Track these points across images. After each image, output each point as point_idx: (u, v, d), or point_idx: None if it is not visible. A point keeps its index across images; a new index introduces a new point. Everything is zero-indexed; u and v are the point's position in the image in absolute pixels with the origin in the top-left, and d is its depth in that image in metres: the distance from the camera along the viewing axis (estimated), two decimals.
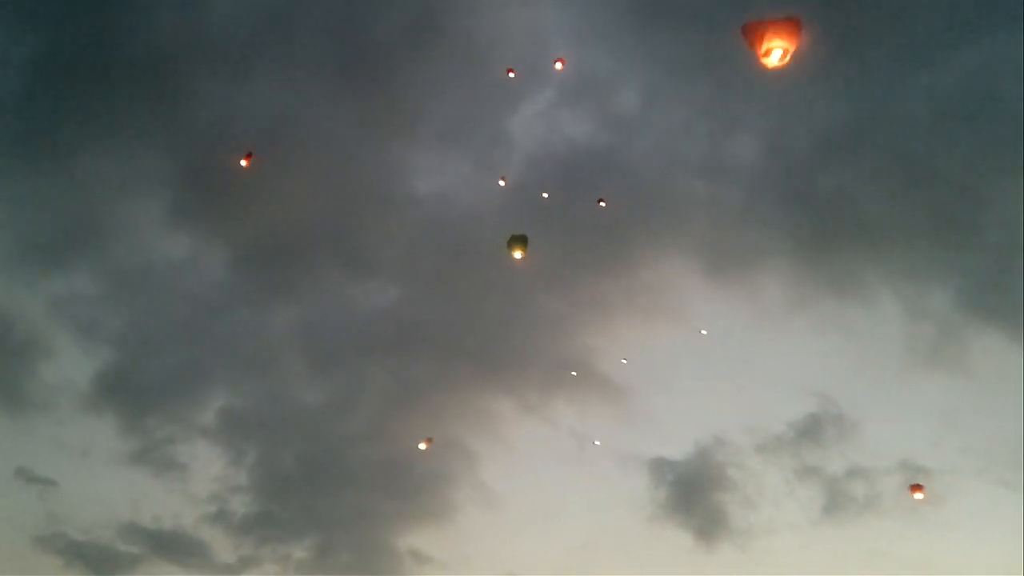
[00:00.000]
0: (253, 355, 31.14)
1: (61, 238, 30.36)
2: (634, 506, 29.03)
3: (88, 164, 30.22)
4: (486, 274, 28.71)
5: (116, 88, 29.84)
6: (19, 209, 30.15)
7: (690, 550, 28.20)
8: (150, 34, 29.75)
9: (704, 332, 27.37)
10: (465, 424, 30.64)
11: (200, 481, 29.66)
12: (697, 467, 29.13)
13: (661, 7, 31.19)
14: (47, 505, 28.39)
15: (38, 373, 29.52)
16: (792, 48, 11.13)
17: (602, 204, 25.49)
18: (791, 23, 11.05)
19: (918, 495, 23.17)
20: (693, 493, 28.80)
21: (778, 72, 11.41)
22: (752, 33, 11.19)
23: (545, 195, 27.30)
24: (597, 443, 29.72)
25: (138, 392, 30.42)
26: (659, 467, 29.46)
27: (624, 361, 29.73)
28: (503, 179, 28.34)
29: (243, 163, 22.11)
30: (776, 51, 11.08)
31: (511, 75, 27.01)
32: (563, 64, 26.40)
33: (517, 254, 20.63)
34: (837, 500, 27.88)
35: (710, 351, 29.45)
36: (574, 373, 29.63)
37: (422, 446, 24.07)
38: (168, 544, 28.54)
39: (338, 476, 29.74)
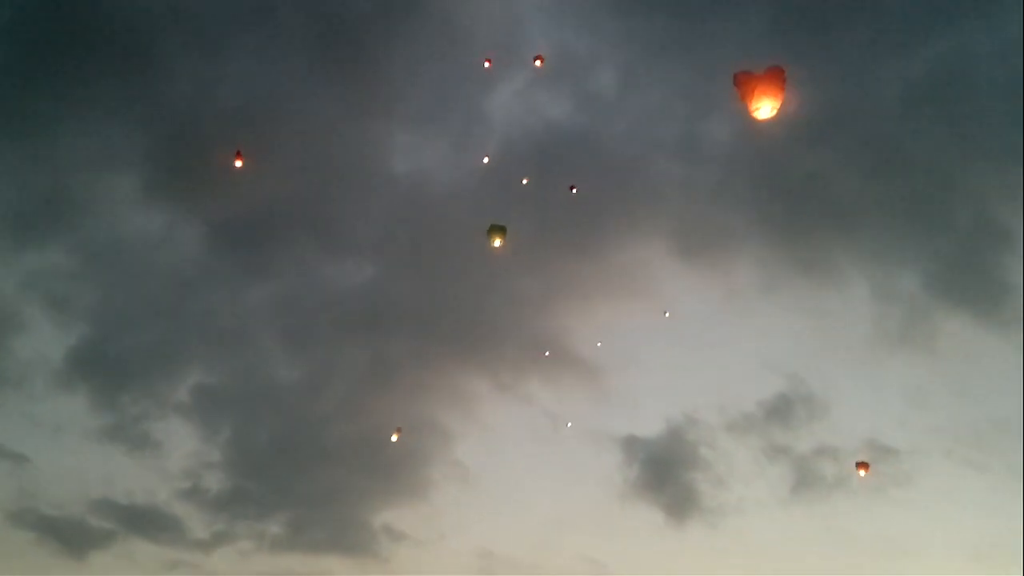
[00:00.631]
0: (228, 332, 31.21)
1: (35, 213, 30.09)
2: (606, 484, 29.45)
3: (62, 139, 29.99)
4: (462, 254, 28.78)
5: (91, 62, 29.64)
6: None
7: (661, 527, 28.68)
8: (126, 8, 29.53)
9: (667, 314, 27.63)
10: (440, 402, 30.88)
11: (174, 457, 29.71)
12: (668, 446, 29.54)
13: None
14: (19, 481, 28.36)
15: (11, 348, 29.41)
16: (780, 100, 11.75)
17: (574, 191, 25.60)
18: (777, 74, 11.64)
19: (862, 472, 23.65)
20: (664, 471, 29.20)
21: (768, 122, 12.02)
22: (743, 87, 11.79)
23: (525, 181, 27.36)
24: (569, 425, 30.01)
25: (112, 368, 30.45)
26: (631, 446, 29.85)
27: (599, 344, 30.04)
28: (487, 157, 28.43)
29: (237, 163, 22.31)
30: (766, 106, 11.69)
31: (488, 65, 27.04)
32: (542, 62, 26.51)
33: (496, 242, 21.04)
34: (806, 479, 28.34)
35: (682, 331, 29.86)
36: (547, 353, 29.89)
37: (393, 438, 24.10)
38: (141, 520, 28.60)
39: (313, 453, 29.85)
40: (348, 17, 30.73)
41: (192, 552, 28.26)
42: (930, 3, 29.90)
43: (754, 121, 11.90)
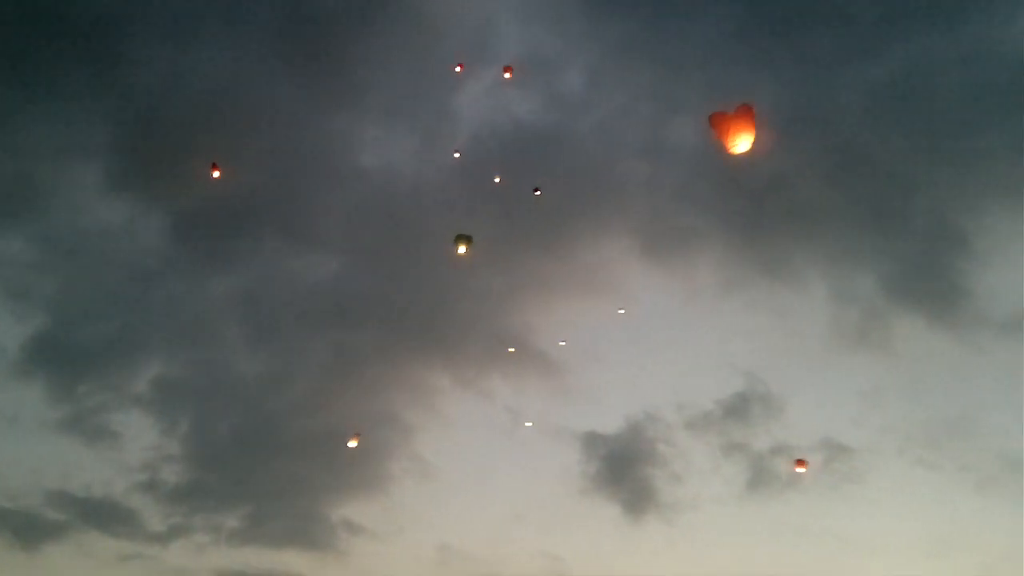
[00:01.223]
0: (189, 324, 31.00)
1: None
2: (566, 479, 29.56)
3: (23, 127, 29.81)
4: (428, 250, 28.88)
5: (55, 50, 29.45)
6: None
7: (618, 522, 28.83)
8: None
9: (622, 311, 27.93)
10: (401, 397, 30.90)
11: (132, 450, 29.48)
12: (628, 442, 29.74)
13: None
14: None
15: None
16: (752, 135, 12.92)
17: (537, 193, 25.75)
18: (747, 112, 12.80)
19: (800, 469, 24.70)
20: (623, 467, 29.39)
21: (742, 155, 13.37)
22: (718, 127, 12.92)
23: (497, 180, 27.51)
24: (528, 424, 30.14)
25: (70, 359, 30.18)
26: (591, 442, 30.02)
27: (562, 344, 30.20)
28: (457, 152, 28.53)
29: (215, 174, 22.64)
30: (742, 142, 12.82)
31: (459, 71, 27.18)
32: (511, 73, 26.74)
33: (461, 249, 21.41)
34: (761, 476, 28.64)
35: (644, 329, 30.25)
36: (511, 349, 29.97)
37: (352, 444, 24.11)
38: (97, 512, 28.36)
39: (272, 447, 29.68)
40: (317, 8, 30.81)
41: (148, 545, 28.13)
42: (893, 10, 30.52)
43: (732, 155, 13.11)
